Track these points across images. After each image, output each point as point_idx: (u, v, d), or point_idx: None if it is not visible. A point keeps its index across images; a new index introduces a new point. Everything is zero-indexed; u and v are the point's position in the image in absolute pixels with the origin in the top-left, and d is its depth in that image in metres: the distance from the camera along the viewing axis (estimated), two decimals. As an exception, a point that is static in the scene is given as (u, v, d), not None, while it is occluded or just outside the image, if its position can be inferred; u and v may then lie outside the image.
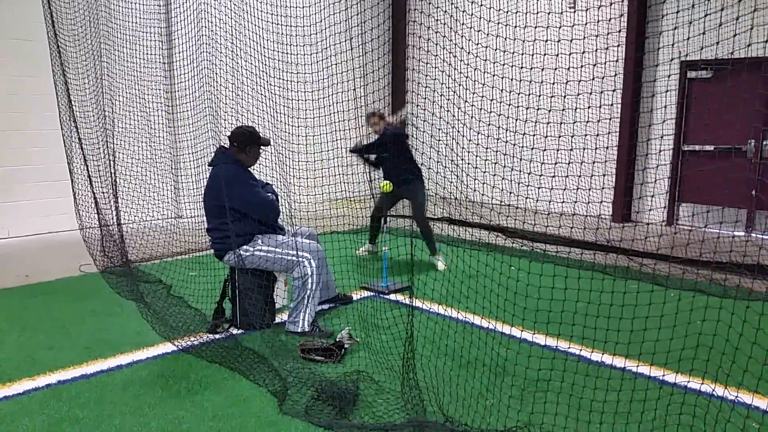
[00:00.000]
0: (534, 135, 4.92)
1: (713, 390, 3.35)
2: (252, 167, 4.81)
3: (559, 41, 4.84)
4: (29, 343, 4.37)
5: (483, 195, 5.15)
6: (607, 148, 7.00)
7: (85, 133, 5.99)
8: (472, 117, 4.94)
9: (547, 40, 4.78)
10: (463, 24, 4.82)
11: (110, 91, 6.13)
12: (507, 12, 4.74)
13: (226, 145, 4.72)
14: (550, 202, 4.79)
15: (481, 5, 4.68)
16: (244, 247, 4.55)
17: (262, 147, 4.76)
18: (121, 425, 3.20)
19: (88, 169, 6.00)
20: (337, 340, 4.14)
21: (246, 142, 4.64)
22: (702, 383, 3.39)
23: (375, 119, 6.47)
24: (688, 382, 3.44)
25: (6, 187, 7.90)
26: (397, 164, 6.41)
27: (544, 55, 4.78)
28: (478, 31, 4.83)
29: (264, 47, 5.61)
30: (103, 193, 6.03)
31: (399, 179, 6.32)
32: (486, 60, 4.90)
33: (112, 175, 5.88)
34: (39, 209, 8.13)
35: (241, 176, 4.60)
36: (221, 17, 6.28)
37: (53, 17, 5.96)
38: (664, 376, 3.63)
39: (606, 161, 7.77)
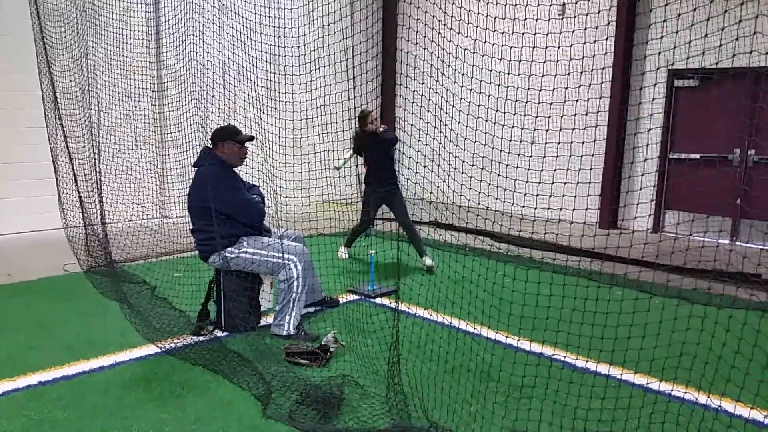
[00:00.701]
0: (521, 141, 4.94)
1: (696, 398, 3.37)
2: (239, 168, 4.78)
3: (546, 48, 4.86)
4: (9, 343, 4.31)
5: (469, 200, 5.15)
6: (592, 155, 7.04)
7: (71, 130, 5.93)
8: (459, 122, 4.95)
9: (534, 47, 4.80)
10: (451, 29, 4.83)
11: (96, 89, 6.07)
12: (495, 18, 4.76)
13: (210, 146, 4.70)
14: (536, 208, 4.81)
15: (470, 11, 4.70)
16: (230, 249, 4.52)
17: (246, 143, 4.70)
18: (103, 428, 3.16)
19: (73, 168, 5.95)
20: (323, 343, 4.12)
21: (219, 137, 4.61)
22: (686, 392, 3.41)
23: (373, 117, 6.42)
24: (672, 390, 3.46)
25: (-11, 184, 7.81)
26: (387, 167, 6.43)
27: (532, 62, 4.80)
28: (466, 37, 4.84)
29: (252, 48, 5.59)
30: (87, 191, 5.97)
31: (383, 183, 6.34)
32: (474, 66, 4.91)
33: (97, 173, 5.83)
34: (23, 207, 8.03)
35: (225, 177, 4.57)
36: (210, 17, 6.25)
37: (39, 12, 5.90)
38: (648, 384, 3.65)
39: (592, 168, 7.81)
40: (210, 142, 4.68)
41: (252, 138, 4.77)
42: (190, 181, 4.66)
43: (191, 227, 4.69)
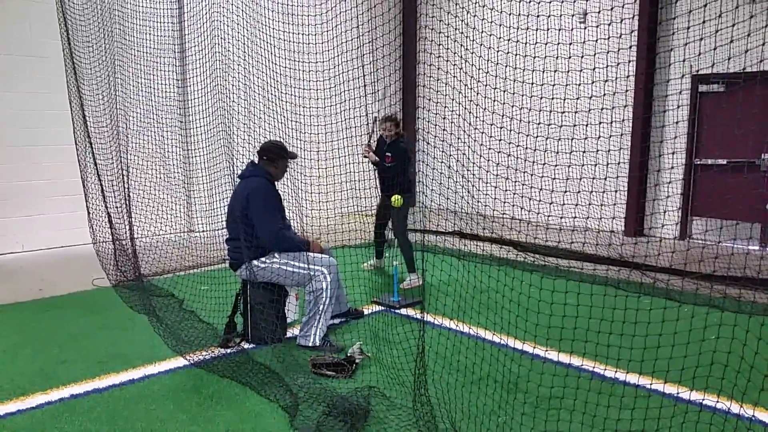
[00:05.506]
0: (545, 150, 4.92)
1: (729, 408, 3.31)
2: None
3: (569, 57, 4.84)
4: (42, 357, 4.39)
5: (494, 210, 5.15)
6: (618, 163, 7.00)
7: (99, 147, 6.05)
8: (482, 132, 4.95)
9: (557, 57, 4.79)
10: (473, 40, 4.84)
11: (124, 107, 6.19)
12: (517, 28, 4.76)
13: (255, 160, 4.78)
14: (562, 217, 4.78)
15: (491, 22, 4.71)
16: (262, 259, 4.56)
17: (290, 160, 4.85)
18: (133, 440, 3.20)
19: (101, 184, 6.05)
20: (349, 355, 4.13)
21: (277, 155, 4.74)
22: (717, 401, 3.36)
23: (389, 125, 6.50)
24: (703, 399, 3.40)
25: (19, 201, 7.97)
26: (400, 174, 6.41)
27: (555, 71, 4.79)
28: (489, 48, 4.85)
29: (276, 64, 5.65)
30: (116, 207, 6.07)
31: (392, 190, 6.33)
32: (497, 76, 4.92)
33: (126, 189, 5.92)
34: (52, 223, 8.19)
35: (273, 197, 4.63)
36: (234, 35, 6.35)
37: (69, 34, 6.04)
38: (678, 393, 3.59)
39: (618, 176, 7.75)
40: (258, 155, 4.77)
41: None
42: (219, 195, 4.71)
43: (228, 236, 4.74)
